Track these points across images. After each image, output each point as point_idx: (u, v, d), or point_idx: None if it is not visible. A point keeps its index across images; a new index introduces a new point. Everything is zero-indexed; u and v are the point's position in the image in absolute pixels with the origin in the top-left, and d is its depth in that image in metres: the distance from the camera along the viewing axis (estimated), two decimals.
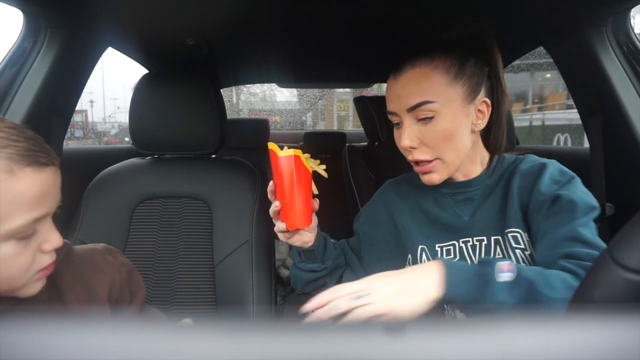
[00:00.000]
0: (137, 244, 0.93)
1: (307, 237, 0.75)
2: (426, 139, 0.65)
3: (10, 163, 0.40)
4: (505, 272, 0.52)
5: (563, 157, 0.74)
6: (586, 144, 1.08)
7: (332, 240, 0.88)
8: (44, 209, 0.43)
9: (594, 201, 0.62)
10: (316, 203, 0.74)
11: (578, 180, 0.65)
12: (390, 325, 0.22)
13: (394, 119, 0.69)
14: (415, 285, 0.52)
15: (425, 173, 0.69)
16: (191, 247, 0.94)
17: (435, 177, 0.68)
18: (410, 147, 0.66)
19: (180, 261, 0.93)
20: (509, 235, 0.65)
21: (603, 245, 0.58)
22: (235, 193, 0.97)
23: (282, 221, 0.71)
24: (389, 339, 0.21)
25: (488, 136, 0.70)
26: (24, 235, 0.42)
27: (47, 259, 0.45)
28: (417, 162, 0.68)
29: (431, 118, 0.64)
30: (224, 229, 0.94)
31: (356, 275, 0.82)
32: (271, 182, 0.72)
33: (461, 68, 0.66)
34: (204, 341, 0.21)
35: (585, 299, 0.31)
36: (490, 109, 0.68)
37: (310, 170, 0.70)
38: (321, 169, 0.72)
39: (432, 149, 0.66)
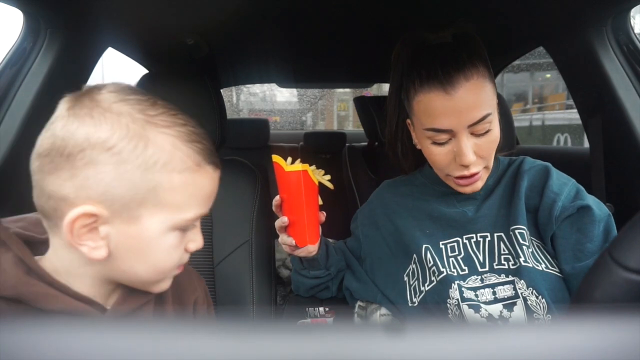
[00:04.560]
0: None
1: (312, 247, 0.74)
2: (481, 151, 0.62)
3: (200, 158, 0.43)
4: None
5: (563, 157, 0.75)
6: (586, 144, 1.08)
7: (330, 240, 0.88)
8: (207, 208, 0.45)
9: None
10: (323, 215, 0.73)
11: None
12: (391, 326, 0.22)
13: (441, 138, 0.62)
14: None
15: (470, 184, 0.65)
16: None
17: (479, 185, 0.66)
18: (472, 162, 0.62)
19: None
20: (516, 232, 0.65)
21: None
22: (235, 193, 0.96)
23: (290, 236, 0.70)
24: (389, 339, 0.21)
25: None
26: (185, 229, 0.44)
27: (186, 258, 0.48)
28: (468, 176, 0.64)
29: (488, 130, 0.61)
30: (224, 229, 0.93)
31: (357, 277, 0.82)
32: (277, 197, 0.71)
33: (490, 72, 0.63)
34: (203, 341, 0.21)
35: (585, 299, 0.31)
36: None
37: (317, 182, 0.68)
38: (326, 180, 0.70)
39: (484, 160, 0.64)
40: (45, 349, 0.21)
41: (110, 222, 0.39)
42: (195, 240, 0.47)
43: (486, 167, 0.66)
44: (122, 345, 0.21)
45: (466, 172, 0.63)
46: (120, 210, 0.39)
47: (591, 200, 0.65)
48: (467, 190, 0.66)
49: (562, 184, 0.66)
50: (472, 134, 0.61)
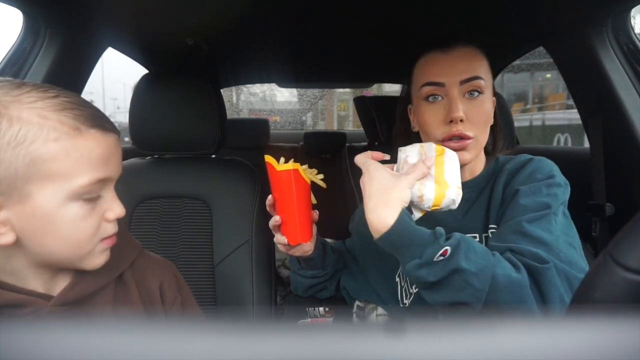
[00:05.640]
0: None
1: (307, 246, 0.75)
2: (471, 115, 0.65)
3: (77, 123, 0.42)
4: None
5: (563, 157, 0.75)
6: (586, 144, 1.08)
7: (330, 240, 0.88)
8: (107, 172, 0.45)
9: (552, 201, 0.62)
10: (316, 214, 0.73)
11: (554, 182, 0.64)
12: (391, 326, 0.22)
13: (437, 91, 0.67)
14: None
15: (458, 150, 0.66)
16: (191, 247, 0.94)
17: (467, 156, 0.67)
18: (461, 119, 0.65)
19: (180, 261, 0.93)
20: (490, 232, 0.66)
21: (549, 241, 0.58)
22: (235, 193, 0.97)
23: (283, 235, 0.71)
24: (389, 339, 0.21)
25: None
26: (89, 196, 0.44)
27: (111, 229, 0.47)
28: (456, 138, 0.66)
29: (479, 94, 0.66)
30: (224, 229, 0.94)
31: (354, 277, 0.82)
32: (270, 196, 0.71)
33: (487, 61, 0.69)
34: (203, 341, 0.21)
35: (585, 299, 0.31)
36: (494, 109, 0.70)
37: (309, 181, 0.69)
38: (319, 179, 0.71)
39: (474, 126, 0.66)
40: (43, 348, 0.21)
41: (5, 206, 0.40)
42: (113, 209, 0.46)
43: (476, 140, 0.66)
44: (119, 345, 0.21)
45: (455, 130, 0.65)
46: (9, 192, 0.40)
47: (534, 190, 0.63)
48: None
49: (527, 179, 0.65)
50: (463, 96, 0.66)
